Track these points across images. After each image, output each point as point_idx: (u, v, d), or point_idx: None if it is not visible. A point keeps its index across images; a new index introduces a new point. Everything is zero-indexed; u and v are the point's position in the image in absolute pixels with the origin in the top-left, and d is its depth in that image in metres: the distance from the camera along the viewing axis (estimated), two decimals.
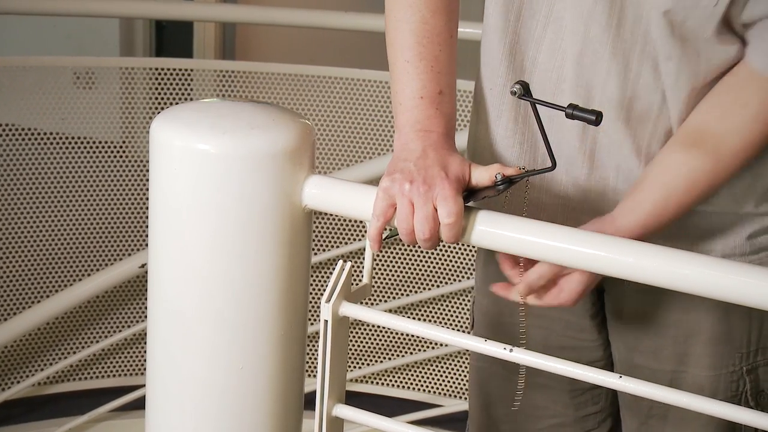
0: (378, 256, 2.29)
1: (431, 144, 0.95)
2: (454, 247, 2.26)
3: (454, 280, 2.29)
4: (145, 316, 1.00)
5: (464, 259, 2.27)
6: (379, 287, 2.33)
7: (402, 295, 2.33)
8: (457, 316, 2.33)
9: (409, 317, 2.27)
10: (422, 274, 2.31)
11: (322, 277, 2.31)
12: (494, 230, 0.88)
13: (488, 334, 1.20)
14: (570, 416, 1.21)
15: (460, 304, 2.31)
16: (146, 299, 0.94)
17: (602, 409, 1.22)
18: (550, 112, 0.93)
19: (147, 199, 0.92)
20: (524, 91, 0.91)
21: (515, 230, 0.87)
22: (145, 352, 2.41)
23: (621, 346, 1.16)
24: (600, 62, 1.00)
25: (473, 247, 1.80)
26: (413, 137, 0.96)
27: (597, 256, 0.83)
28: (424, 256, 2.30)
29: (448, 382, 2.37)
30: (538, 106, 0.91)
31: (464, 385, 2.36)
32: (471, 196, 0.92)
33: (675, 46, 0.96)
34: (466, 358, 2.33)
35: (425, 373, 2.38)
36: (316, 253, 2.27)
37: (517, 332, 1.15)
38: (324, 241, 2.31)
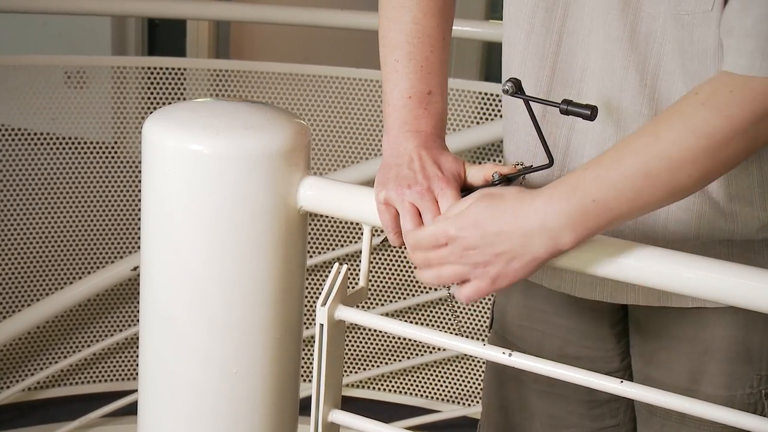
0: (374, 259, 2.28)
1: (421, 143, 0.93)
2: None
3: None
4: (137, 320, 0.99)
5: None
6: (375, 290, 2.32)
7: (399, 298, 2.31)
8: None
9: (406, 321, 2.25)
10: None
11: (318, 280, 2.30)
12: None
13: (505, 334, 1.19)
14: (586, 427, 1.19)
15: (458, 307, 2.30)
16: (138, 302, 0.93)
17: (620, 423, 1.19)
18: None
19: (139, 200, 0.91)
20: (516, 89, 0.91)
21: None
22: (137, 356, 2.38)
23: (638, 358, 1.14)
24: (616, 74, 0.96)
25: None
26: (401, 139, 0.95)
27: (598, 259, 0.83)
28: None
29: (446, 387, 2.36)
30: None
31: (462, 390, 2.35)
32: None
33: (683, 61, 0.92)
34: (464, 363, 2.32)
35: (422, 377, 2.37)
36: (311, 256, 2.26)
37: (536, 336, 1.13)
38: (320, 244, 2.30)
